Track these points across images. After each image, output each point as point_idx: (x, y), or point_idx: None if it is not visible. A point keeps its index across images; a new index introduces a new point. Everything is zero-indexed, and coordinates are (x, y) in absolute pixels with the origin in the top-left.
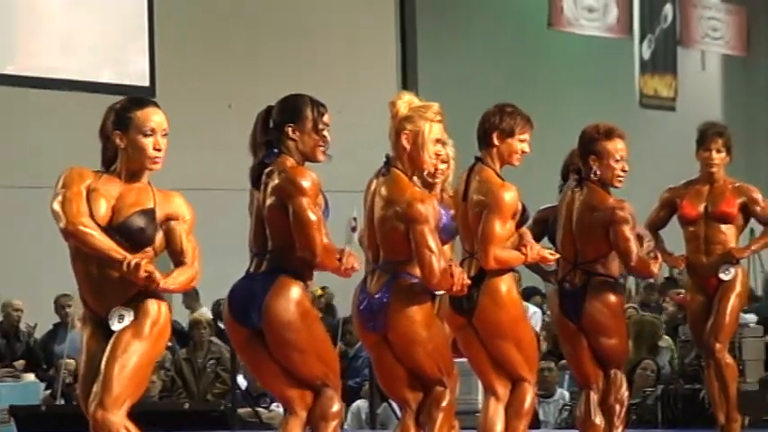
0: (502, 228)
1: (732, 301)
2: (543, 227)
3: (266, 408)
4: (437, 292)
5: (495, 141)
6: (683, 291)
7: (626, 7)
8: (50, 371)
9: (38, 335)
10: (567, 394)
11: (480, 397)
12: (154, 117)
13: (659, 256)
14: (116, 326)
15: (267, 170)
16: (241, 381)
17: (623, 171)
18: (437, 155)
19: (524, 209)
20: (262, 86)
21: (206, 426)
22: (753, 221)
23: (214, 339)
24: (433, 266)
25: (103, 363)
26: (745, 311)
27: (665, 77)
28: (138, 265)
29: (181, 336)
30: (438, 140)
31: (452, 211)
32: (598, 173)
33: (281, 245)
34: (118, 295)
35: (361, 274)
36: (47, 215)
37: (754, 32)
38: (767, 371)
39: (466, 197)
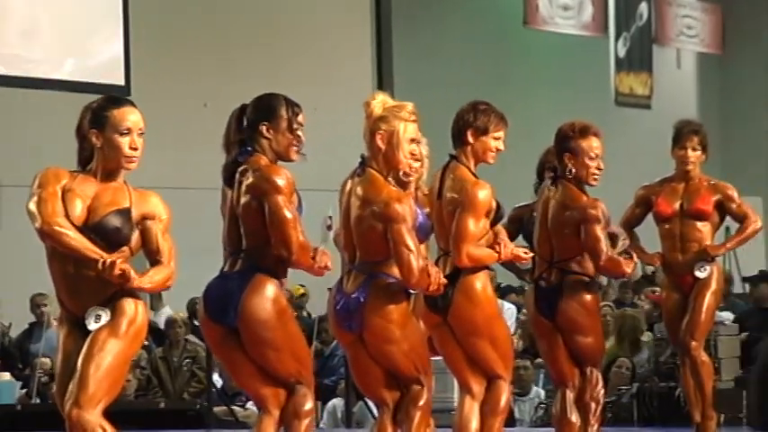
0: (475, 225)
1: (708, 298)
2: (518, 225)
3: (242, 406)
4: (412, 291)
5: (470, 139)
6: (658, 289)
7: (601, 5)
8: (26, 370)
9: (13, 334)
10: (542, 392)
11: (456, 395)
12: (130, 116)
13: (634, 255)
14: (93, 325)
15: (241, 169)
16: (217, 379)
17: (599, 169)
18: (412, 154)
19: (499, 207)
20: (237, 85)
21: (182, 424)
22: (728, 219)
23: (190, 338)
24: (412, 265)
25: (80, 361)
26: (721, 309)
27: (641, 75)
28: (112, 264)
29: (157, 334)
30: (413, 140)
31: (427, 210)
32: (573, 171)
33: (256, 243)
34: (94, 295)
35: (336, 273)
36: (23, 214)
37: (729, 30)
38: (743, 369)
39: (440, 195)
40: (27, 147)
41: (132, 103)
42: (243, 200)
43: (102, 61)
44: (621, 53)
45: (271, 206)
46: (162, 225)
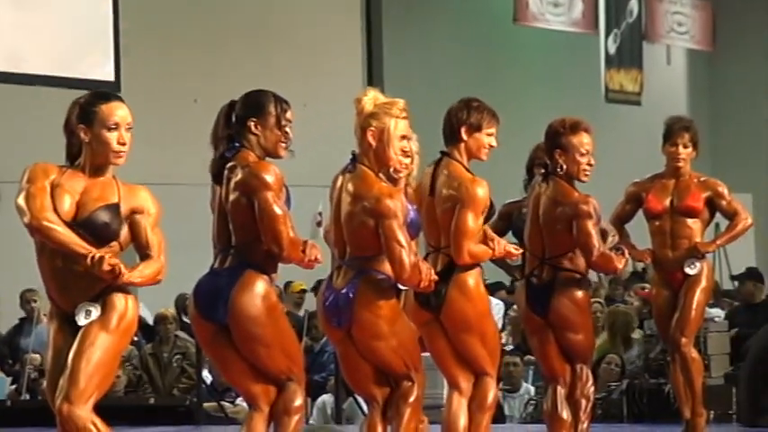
0: (475, 222)
1: (698, 295)
2: (508, 222)
3: (231, 402)
4: (402, 288)
5: (464, 136)
6: (647, 285)
7: (591, 2)
8: (16, 366)
9: (3, 330)
10: (532, 389)
11: (445, 392)
12: (118, 111)
13: (626, 251)
14: (83, 321)
15: (229, 165)
16: (206, 375)
17: (589, 165)
18: (403, 151)
19: (491, 204)
20: (228, 81)
21: (171, 420)
22: (719, 216)
23: (180, 334)
24: (404, 261)
25: (70, 357)
26: (711, 306)
27: (631, 72)
28: (101, 259)
29: (146, 330)
30: (403, 137)
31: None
32: (564, 167)
33: (246, 240)
34: (84, 290)
35: (327, 267)
36: (12, 210)
37: (719, 27)
38: (732, 365)
39: (433, 192)
40: (16, 143)
41: (120, 98)
42: (232, 196)
43: (91, 57)
44: (612, 50)
45: (260, 203)
46: (151, 219)
